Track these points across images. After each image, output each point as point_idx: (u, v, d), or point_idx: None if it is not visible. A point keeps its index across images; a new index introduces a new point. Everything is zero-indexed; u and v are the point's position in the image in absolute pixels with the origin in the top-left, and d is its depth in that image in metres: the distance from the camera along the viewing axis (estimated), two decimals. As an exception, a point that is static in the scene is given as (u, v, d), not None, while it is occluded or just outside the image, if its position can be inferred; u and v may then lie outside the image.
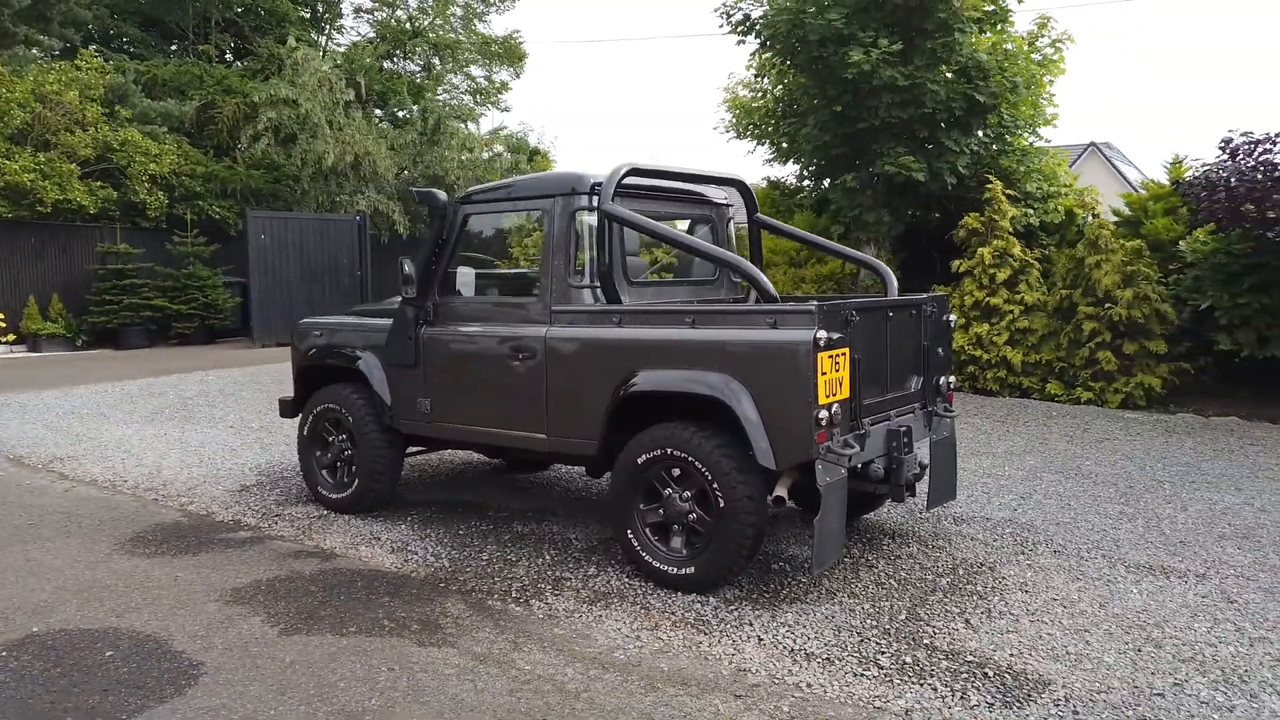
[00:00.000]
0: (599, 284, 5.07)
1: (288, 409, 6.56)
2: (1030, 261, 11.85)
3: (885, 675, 3.69)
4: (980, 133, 12.42)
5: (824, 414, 4.23)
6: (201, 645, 3.94)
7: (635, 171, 5.16)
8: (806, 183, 14.62)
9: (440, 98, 24.02)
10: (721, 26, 13.12)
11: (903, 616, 4.29)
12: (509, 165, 20.60)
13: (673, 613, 4.35)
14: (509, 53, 25.33)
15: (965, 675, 3.68)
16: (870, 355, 4.68)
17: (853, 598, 4.54)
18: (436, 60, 24.40)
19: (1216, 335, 10.22)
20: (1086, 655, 3.86)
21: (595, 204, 5.08)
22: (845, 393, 4.43)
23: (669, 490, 4.64)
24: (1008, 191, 12.14)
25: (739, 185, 6.06)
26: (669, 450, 4.57)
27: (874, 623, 4.22)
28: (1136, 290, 10.68)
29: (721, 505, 4.41)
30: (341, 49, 24.04)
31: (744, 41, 13.50)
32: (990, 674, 3.69)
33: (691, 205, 6.01)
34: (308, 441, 6.21)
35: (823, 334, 4.21)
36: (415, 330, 5.64)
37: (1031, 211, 12.49)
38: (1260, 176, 9.75)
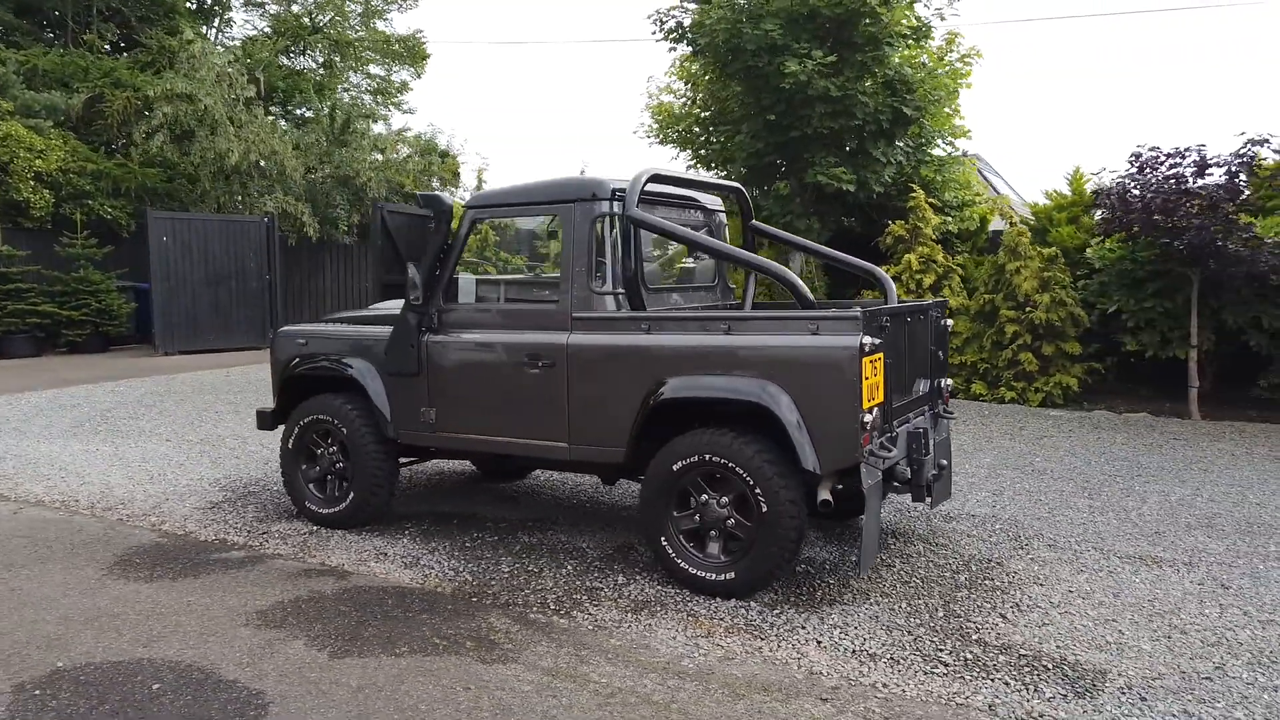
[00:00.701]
0: (621, 290, 5.05)
1: (267, 421, 6.27)
2: (952, 267, 12.37)
3: (953, 671, 3.81)
4: (901, 143, 12.89)
5: (868, 418, 4.33)
6: (253, 673, 3.74)
7: (656, 178, 5.16)
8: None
9: (343, 97, 23.32)
10: (654, 33, 13.24)
11: (940, 613, 4.43)
12: (420, 168, 20.15)
13: (721, 619, 4.37)
14: (411, 52, 24.81)
15: (1027, 668, 3.83)
16: (894, 359, 4.81)
17: (885, 597, 4.65)
18: (337, 57, 23.67)
19: (1123, 337, 10.91)
20: (1125, 644, 4.08)
21: (615, 209, 5.06)
22: (881, 396, 4.55)
23: (705, 496, 4.66)
24: (929, 200, 12.65)
25: (737, 192, 6.13)
26: (707, 456, 4.59)
27: (917, 620, 4.35)
28: (1053, 295, 11.29)
29: (764, 510, 4.45)
30: (235, 43, 23.05)
31: (675, 49, 13.66)
32: (1049, 666, 3.85)
33: (690, 211, 6.04)
34: (293, 455, 5.95)
35: (867, 340, 4.31)
36: (418, 338, 5.48)
37: (950, 219, 13.05)
38: (1171, 188, 10.46)
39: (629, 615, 4.42)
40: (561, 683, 3.68)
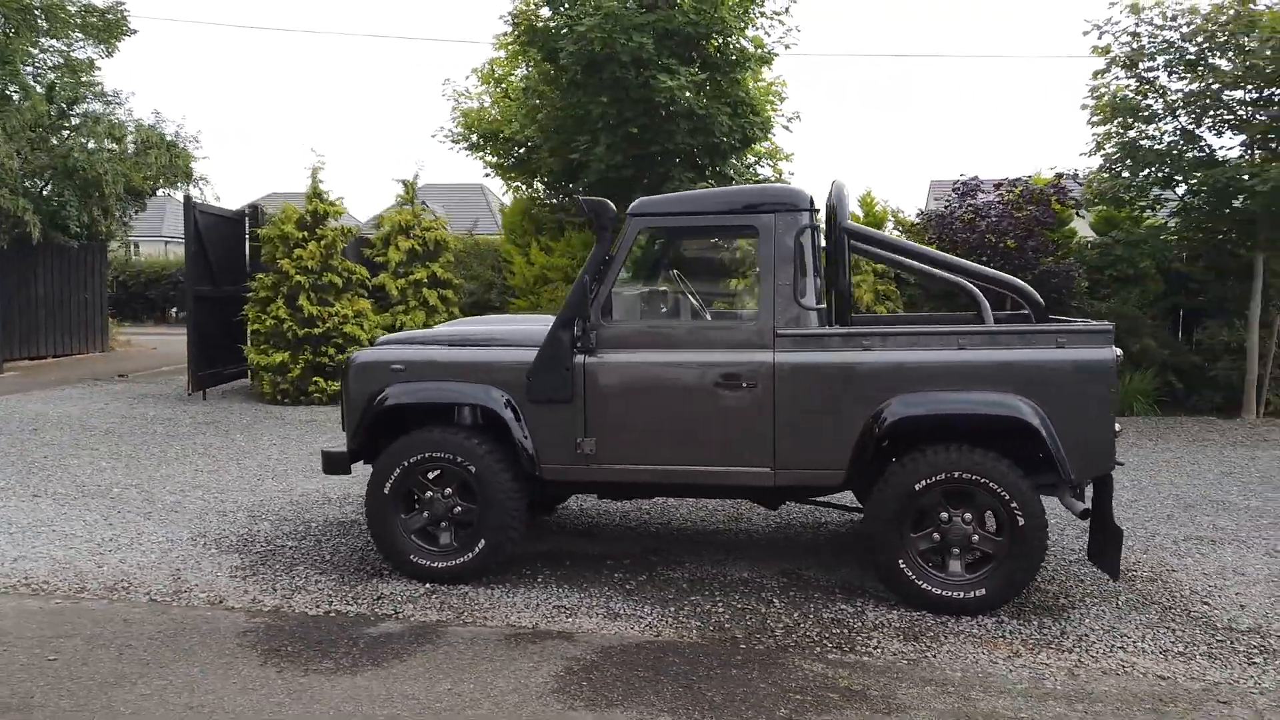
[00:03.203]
0: (823, 305, 4.83)
1: (342, 463, 5.19)
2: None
3: (1251, 658, 4.09)
4: (738, 161, 13.42)
5: (1118, 426, 4.54)
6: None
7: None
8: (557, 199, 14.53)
9: (44, 74, 19.53)
10: (506, 35, 12.62)
11: (1157, 608, 4.72)
12: (164, 162, 17.43)
13: (1003, 637, 4.34)
14: (109, 27, 21.43)
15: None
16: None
17: (1090, 599, 4.87)
18: (12, 30, 19.80)
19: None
20: (1329, 616, 4.62)
21: (814, 220, 4.84)
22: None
23: (947, 514, 4.60)
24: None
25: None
26: (957, 474, 4.53)
27: (1145, 616, 4.59)
28: (886, 307, 12.39)
29: (1021, 524, 4.48)
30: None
31: (525, 53, 13.16)
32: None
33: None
34: (390, 502, 4.98)
35: (1120, 352, 4.51)
36: (572, 360, 4.85)
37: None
38: (1000, 212, 11.91)
39: (915, 644, 4.24)
40: (983, 722, 3.48)
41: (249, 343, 11.97)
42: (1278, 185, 10.18)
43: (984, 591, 4.56)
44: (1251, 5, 11.28)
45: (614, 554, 5.55)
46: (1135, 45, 11.83)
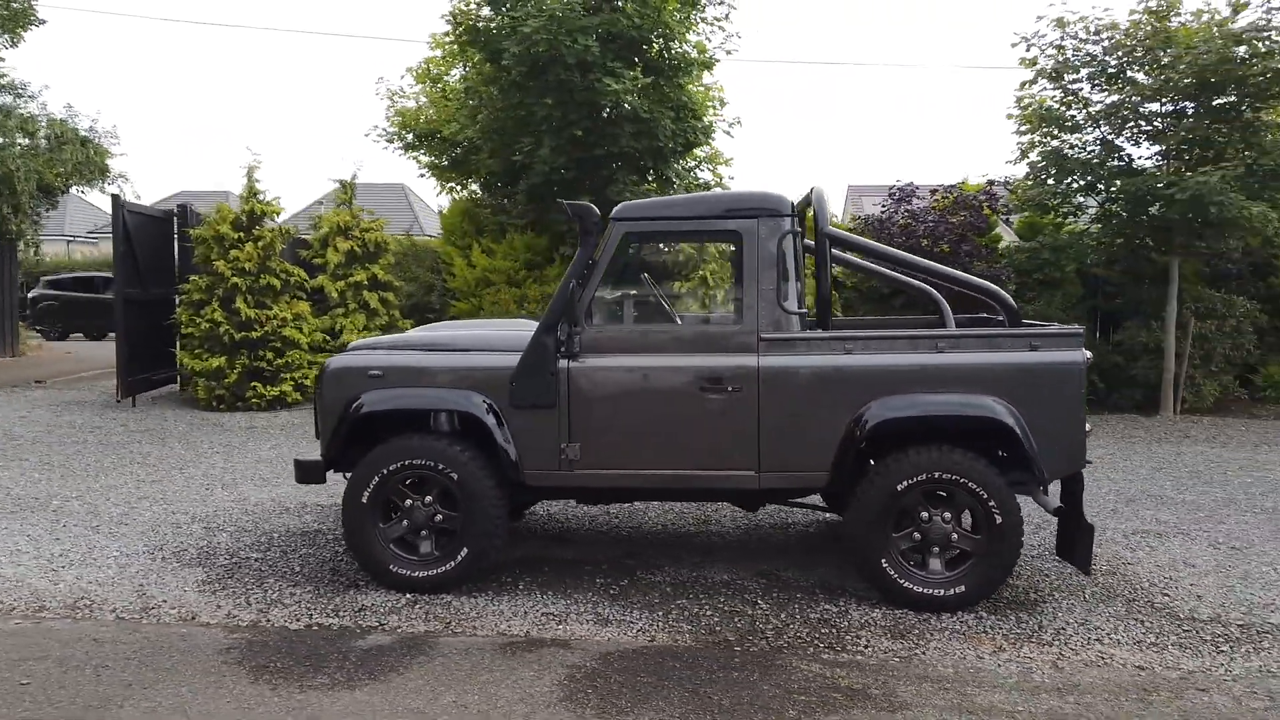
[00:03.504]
0: (805, 310, 4.91)
1: (316, 472, 5.06)
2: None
3: (1218, 646, 4.30)
4: (680, 165, 13.51)
5: (1089, 426, 4.72)
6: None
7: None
8: (496, 200, 14.40)
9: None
10: (445, 35, 12.44)
11: (1122, 600, 4.92)
12: (80, 159, 16.69)
13: (985, 633, 4.46)
14: (15, 17, 20.47)
15: (1249, 636, 4.44)
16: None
17: (1058, 593, 5.04)
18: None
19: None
20: None
21: (795, 226, 4.91)
22: (1081, 406, 4.92)
23: (928, 513, 4.71)
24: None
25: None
26: (937, 474, 4.64)
27: (1112, 608, 4.78)
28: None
29: (998, 522, 4.62)
30: None
31: (465, 53, 13.03)
32: (1256, 630, 4.50)
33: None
34: (368, 511, 4.88)
35: (1089, 355, 4.69)
36: (556, 364, 4.82)
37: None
38: (934, 219, 12.24)
39: (903, 642, 4.33)
40: (970, 717, 3.57)
41: (181, 347, 11.55)
42: (1196, 194, 10.68)
43: (964, 588, 4.69)
44: (1167, 23, 11.83)
45: (591, 559, 5.53)
46: (1061, 58, 12.29)
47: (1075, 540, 4.81)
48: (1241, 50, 11.26)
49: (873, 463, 4.91)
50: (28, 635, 4.30)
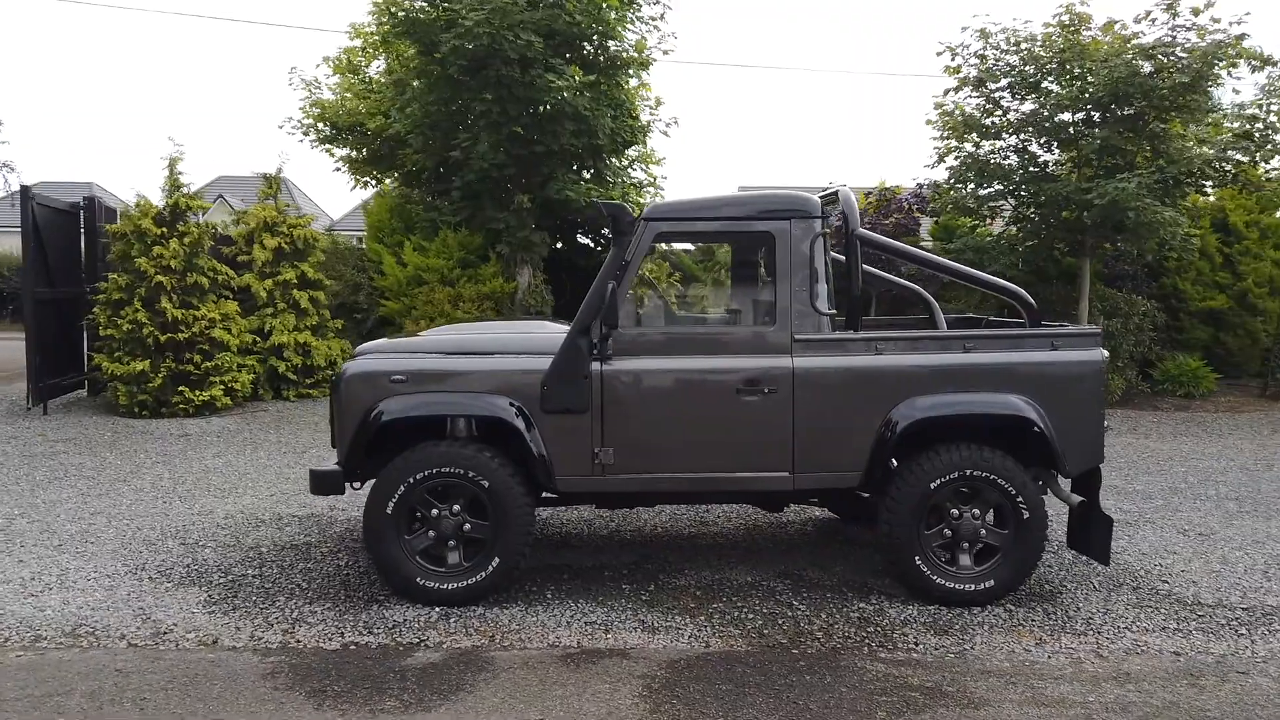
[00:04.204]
0: (835, 311, 4.94)
1: (334, 483, 4.79)
2: (675, 282, 13.30)
3: (1235, 630, 4.54)
4: (616, 163, 13.46)
5: (1108, 422, 4.90)
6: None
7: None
8: (424, 199, 14.01)
9: None
10: (383, 25, 12.02)
11: (1128, 589, 5.14)
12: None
13: (1023, 625, 4.58)
14: None
15: (1252, 619, 4.70)
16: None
17: (1068, 584, 5.22)
18: None
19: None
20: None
21: (824, 227, 4.93)
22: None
23: (959, 510, 4.81)
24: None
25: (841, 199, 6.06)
26: (969, 471, 4.75)
27: (1124, 597, 4.99)
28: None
29: (1026, 517, 4.76)
30: None
31: (391, 45, 12.64)
32: (1261, 614, 4.78)
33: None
34: (392, 523, 4.66)
35: (1106, 354, 4.88)
36: (589, 367, 4.71)
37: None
38: (868, 222, 12.57)
39: (949, 638, 4.41)
40: (1047, 709, 3.66)
41: (96, 349, 10.78)
42: (1114, 199, 11.27)
43: (992, 583, 4.80)
44: (1079, 37, 12.46)
45: (608, 564, 5.43)
46: (983, 67, 12.79)
47: (1093, 532, 4.99)
48: (1148, 65, 11.94)
49: (895, 462, 4.98)
50: (40, 669, 3.92)
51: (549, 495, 5.01)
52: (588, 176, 12.91)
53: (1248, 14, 27.01)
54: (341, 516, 6.44)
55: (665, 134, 13.31)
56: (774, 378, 4.75)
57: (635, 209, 13.23)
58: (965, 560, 4.85)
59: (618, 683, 3.82)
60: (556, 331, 5.02)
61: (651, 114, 12.95)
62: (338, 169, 15.69)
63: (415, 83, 12.58)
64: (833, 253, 5.72)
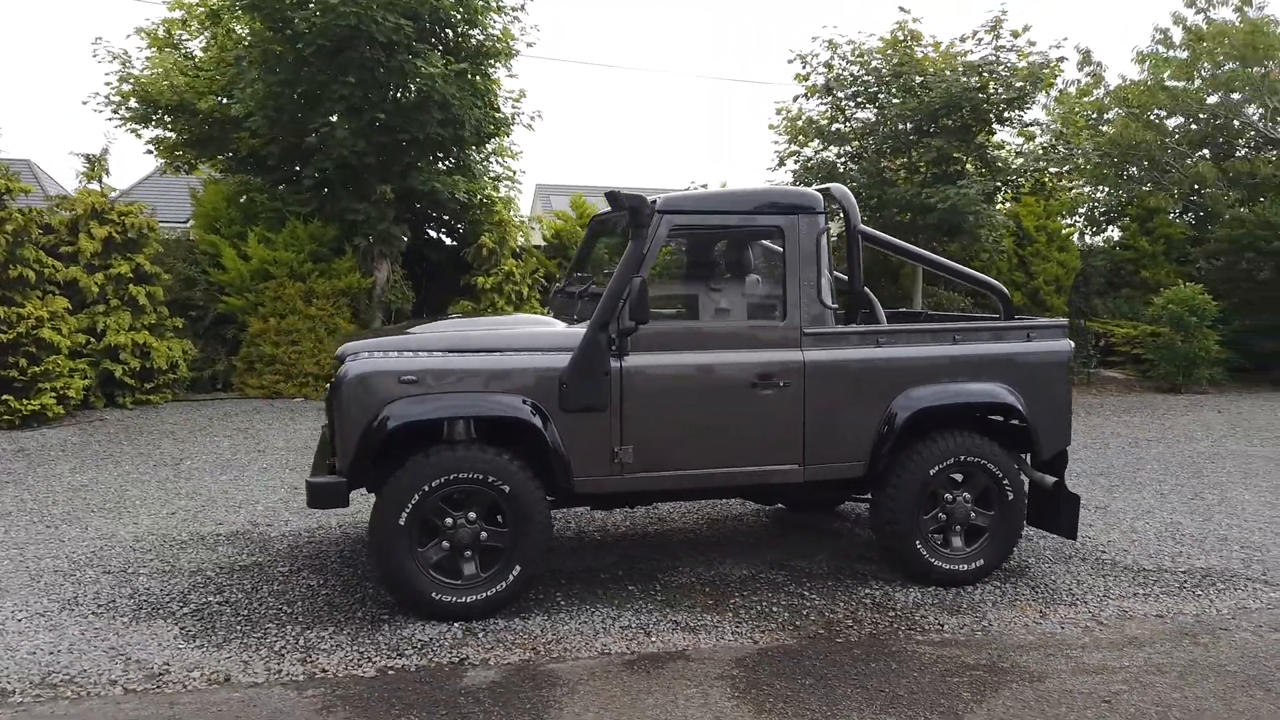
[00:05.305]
0: (837, 305, 5.03)
1: (337, 494, 4.33)
2: (540, 278, 13.10)
3: (1194, 592, 5.04)
4: (477, 153, 13.09)
5: (1073, 407, 5.30)
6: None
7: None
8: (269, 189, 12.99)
9: None
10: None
11: (1088, 561, 5.58)
12: None
13: (1021, 601, 4.86)
14: None
15: (1198, 581, 5.26)
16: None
17: (1033, 559, 5.60)
18: None
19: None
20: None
21: (827, 223, 5.02)
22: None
23: (949, 495, 5.05)
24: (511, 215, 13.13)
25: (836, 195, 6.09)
26: (963, 457, 4.99)
27: (1084, 568, 5.43)
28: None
29: (1010, 498, 5.07)
30: None
31: (231, 18, 11.68)
32: (1202, 575, 5.35)
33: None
34: (404, 534, 4.30)
35: (1073, 344, 5.27)
36: (608, 364, 4.56)
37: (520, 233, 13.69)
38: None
39: (965, 617, 4.60)
40: (1099, 676, 3.92)
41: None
42: (954, 204, 12.17)
43: (982, 562, 5.07)
44: (913, 52, 13.37)
45: (599, 567, 5.27)
46: (830, 76, 13.45)
47: (1061, 510, 5.36)
48: (974, 80, 12.99)
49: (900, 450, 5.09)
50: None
51: (582, 496, 4.79)
52: (446, 168, 12.44)
53: (1065, 39, 29.98)
54: (275, 533, 5.88)
55: (529, 127, 13.06)
56: (787, 371, 4.78)
57: (495, 201, 12.96)
58: (958, 542, 5.09)
59: (704, 686, 3.72)
60: (557, 326, 4.83)
61: (514, 106, 12.66)
62: (149, 151, 14.25)
63: (256, 62, 11.61)
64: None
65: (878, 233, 5.40)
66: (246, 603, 4.62)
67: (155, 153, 14.28)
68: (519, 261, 12.85)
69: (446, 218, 13.33)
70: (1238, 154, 18.87)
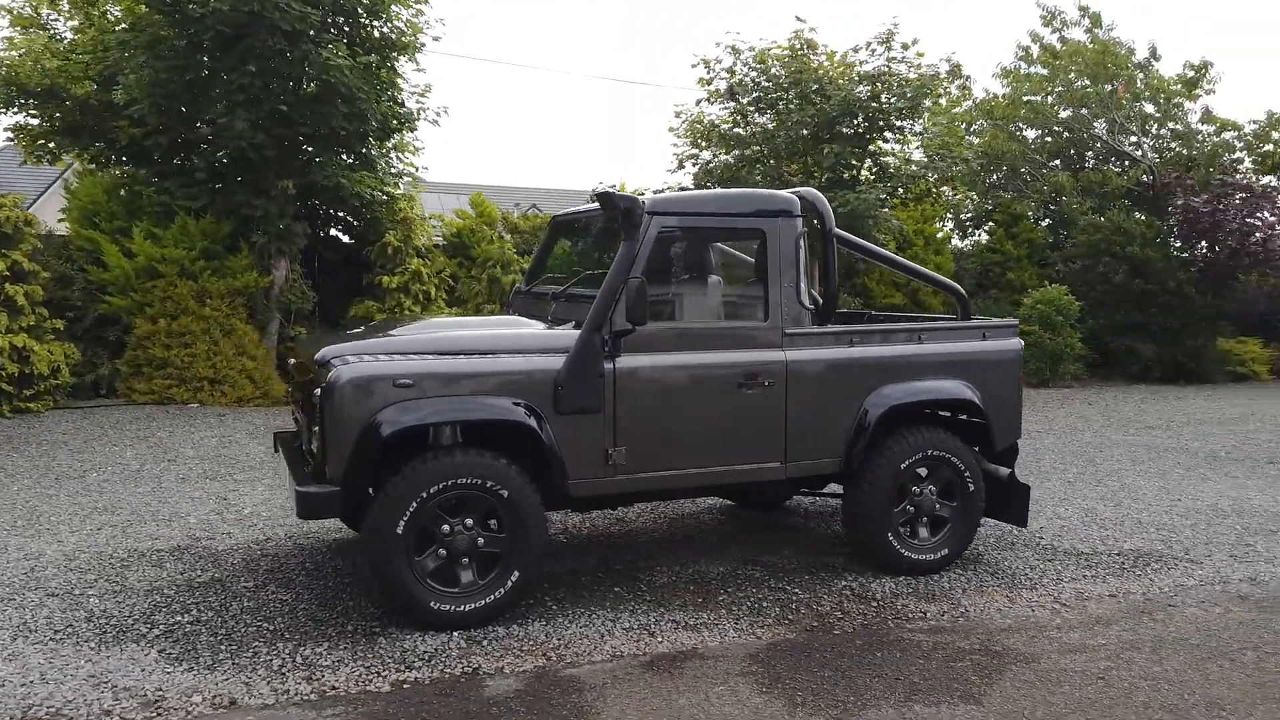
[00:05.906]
0: (813, 306, 5.16)
1: (328, 504, 4.13)
2: (446, 278, 12.84)
3: (1134, 572, 5.43)
4: (378, 149, 12.70)
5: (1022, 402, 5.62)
6: None
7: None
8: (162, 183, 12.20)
9: None
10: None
11: (1031, 547, 5.92)
12: None
13: (986, 588, 5.12)
14: None
15: (1133, 562, 5.66)
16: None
17: (981, 546, 5.90)
18: None
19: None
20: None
21: (804, 226, 5.14)
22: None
23: (917, 488, 5.27)
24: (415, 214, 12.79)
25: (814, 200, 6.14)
26: (930, 451, 5.21)
27: (1028, 553, 5.76)
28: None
29: (971, 490, 5.33)
30: None
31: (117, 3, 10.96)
32: (1135, 556, 5.77)
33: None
34: (401, 543, 4.15)
35: (1023, 342, 5.58)
36: (603, 365, 4.54)
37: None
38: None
39: (940, 605, 4.81)
40: (1084, 655, 4.19)
41: None
42: (855, 208, 12.63)
43: (947, 551, 5.31)
44: (809, 60, 13.80)
45: (577, 569, 5.24)
46: (734, 80, 13.72)
47: (1012, 500, 5.65)
48: (867, 89, 13.53)
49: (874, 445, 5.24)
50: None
51: (577, 499, 4.73)
52: (349, 163, 12.02)
53: (954, 52, 31.39)
54: (220, 546, 5.56)
55: (435, 123, 12.75)
56: (770, 371, 4.88)
57: (398, 199, 12.61)
58: (924, 533, 5.31)
59: (732, 683, 3.77)
60: (539, 328, 4.79)
61: (419, 101, 12.33)
62: (9, 140, 13.19)
63: (143, 47, 10.89)
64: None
65: (852, 236, 5.57)
66: (221, 621, 4.37)
67: (16, 141, 13.23)
68: (425, 261, 12.55)
69: (345, 215, 12.88)
70: (1087, 165, 20.34)
